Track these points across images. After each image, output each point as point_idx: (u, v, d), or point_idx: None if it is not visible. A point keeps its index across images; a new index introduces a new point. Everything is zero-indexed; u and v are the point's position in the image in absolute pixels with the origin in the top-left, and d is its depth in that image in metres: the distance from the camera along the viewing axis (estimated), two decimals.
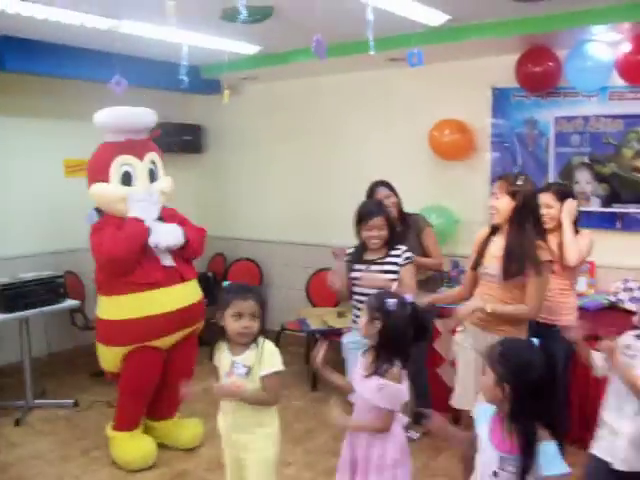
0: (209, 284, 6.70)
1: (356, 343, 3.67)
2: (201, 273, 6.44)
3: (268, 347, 2.80)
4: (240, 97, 6.67)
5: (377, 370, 2.66)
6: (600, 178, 4.83)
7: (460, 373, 3.55)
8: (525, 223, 3.23)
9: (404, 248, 3.80)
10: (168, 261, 4.07)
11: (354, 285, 3.80)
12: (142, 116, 4.20)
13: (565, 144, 4.95)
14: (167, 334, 4.11)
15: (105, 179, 3.99)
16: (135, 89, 4.33)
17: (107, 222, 3.98)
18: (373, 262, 3.76)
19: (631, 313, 4.34)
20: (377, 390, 2.64)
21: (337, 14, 3.93)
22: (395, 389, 2.64)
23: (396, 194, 4.45)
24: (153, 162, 4.19)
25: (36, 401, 5.02)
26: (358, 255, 3.83)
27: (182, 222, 4.23)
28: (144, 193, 4.03)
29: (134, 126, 4.17)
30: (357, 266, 3.79)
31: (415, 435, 4.26)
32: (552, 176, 4.99)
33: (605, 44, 4.56)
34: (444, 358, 4.37)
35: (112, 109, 4.11)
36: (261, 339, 2.80)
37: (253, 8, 3.80)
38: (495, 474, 2.16)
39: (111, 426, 4.19)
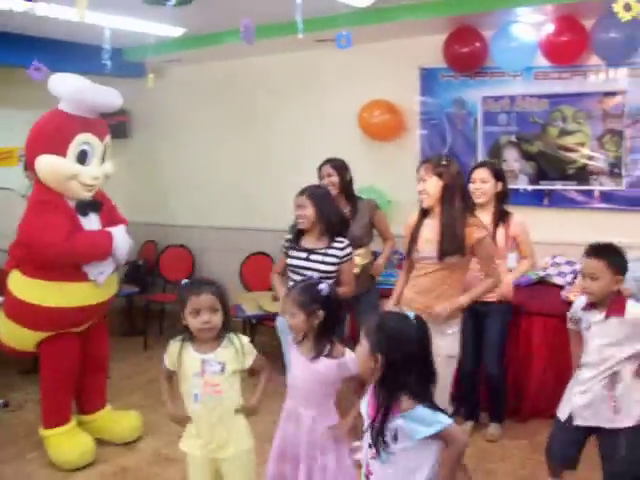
0: (140, 272, 6.58)
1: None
2: (132, 261, 6.32)
3: (244, 339, 2.81)
4: (165, 80, 6.48)
5: (324, 352, 2.76)
6: (527, 156, 4.95)
7: None
8: (455, 201, 3.26)
9: (346, 242, 3.76)
10: None
11: (292, 272, 3.78)
12: (112, 98, 3.96)
13: (493, 123, 5.05)
14: (84, 323, 4.06)
15: (61, 153, 3.72)
16: (56, 74, 4.14)
17: (50, 202, 3.76)
18: (313, 251, 3.72)
19: (559, 287, 4.53)
20: (337, 368, 2.74)
21: None
22: (351, 358, 2.70)
23: (341, 174, 4.36)
24: (107, 145, 4.01)
25: None
26: (295, 242, 3.79)
27: (110, 209, 4.13)
28: (95, 175, 3.86)
29: (103, 106, 3.96)
30: (295, 253, 3.75)
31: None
32: (481, 155, 5.09)
33: (530, 25, 4.65)
34: None
35: (80, 80, 3.85)
36: (232, 335, 2.77)
37: None
38: (370, 446, 2.21)
39: (42, 425, 4.07)
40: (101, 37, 4.35)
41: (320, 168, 4.42)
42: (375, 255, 4.53)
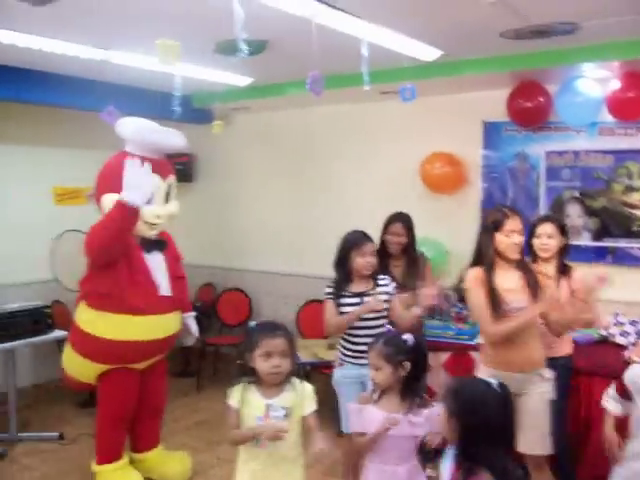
0: (197, 314, 6.64)
1: (350, 378, 3.67)
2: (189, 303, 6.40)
3: (308, 387, 2.78)
4: (231, 127, 6.68)
5: (417, 403, 2.75)
6: (591, 212, 4.86)
7: (531, 420, 3.27)
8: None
9: (388, 278, 3.78)
10: (166, 291, 4.04)
11: None
12: (174, 138, 4.13)
13: (556, 178, 4.99)
14: (147, 359, 4.11)
15: None
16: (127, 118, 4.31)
17: None
18: (364, 294, 3.68)
19: (622, 347, 4.39)
20: (431, 418, 2.67)
21: (331, 47, 3.94)
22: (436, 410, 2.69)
23: (410, 235, 4.40)
24: (170, 185, 4.15)
25: (20, 434, 4.92)
26: (342, 288, 3.72)
27: (176, 257, 4.27)
28: (158, 214, 3.98)
29: (165, 147, 4.12)
30: (347, 300, 3.69)
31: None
32: (543, 210, 5.01)
33: (595, 80, 4.62)
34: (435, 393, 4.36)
35: (143, 122, 4.03)
36: (296, 380, 2.75)
37: (247, 42, 3.81)
38: None
39: (95, 460, 4.11)
40: (171, 84, 4.53)
41: (390, 224, 4.41)
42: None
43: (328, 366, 4.98)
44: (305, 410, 2.73)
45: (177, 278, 4.25)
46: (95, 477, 4.08)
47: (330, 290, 3.75)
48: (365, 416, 2.75)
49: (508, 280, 3.31)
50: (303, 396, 2.73)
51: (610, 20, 3.68)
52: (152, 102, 5.26)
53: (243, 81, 5.26)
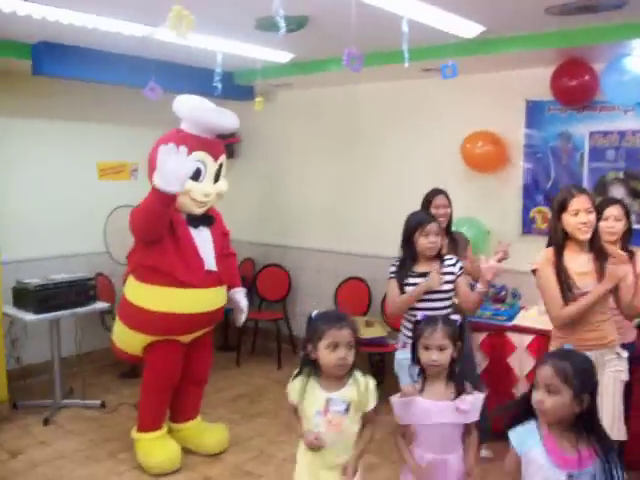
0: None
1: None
2: None
3: (371, 381, 2.68)
4: (273, 104, 6.70)
5: (465, 390, 2.70)
6: (635, 194, 4.76)
7: (604, 401, 3.13)
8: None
9: (455, 257, 3.72)
10: (212, 265, 4.11)
11: None
12: (230, 120, 4.18)
13: (600, 159, 4.89)
14: (192, 332, 4.18)
15: None
16: (169, 95, 4.37)
17: None
18: (430, 274, 3.60)
19: None
20: (476, 403, 2.67)
21: (372, 24, 3.92)
22: (481, 397, 2.71)
23: (452, 207, 4.37)
24: (221, 165, 4.21)
25: (64, 401, 5.09)
26: (408, 268, 3.67)
27: (224, 233, 4.37)
28: (207, 192, 4.05)
29: (219, 127, 4.17)
30: (412, 280, 3.62)
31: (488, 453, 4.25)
32: None
33: None
34: (516, 376, 4.39)
35: (202, 101, 4.11)
36: (358, 373, 2.66)
37: (288, 18, 3.80)
38: None
39: (136, 428, 4.24)
40: (213, 61, 4.57)
41: (432, 198, 4.35)
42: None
43: (368, 344, 5.03)
44: (367, 406, 2.64)
45: (225, 255, 4.32)
46: (135, 444, 4.20)
47: (394, 269, 3.72)
48: (412, 409, 2.68)
49: (579, 263, 3.24)
50: (366, 391, 2.63)
51: None
52: (194, 78, 5.33)
53: (284, 57, 5.26)
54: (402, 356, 3.62)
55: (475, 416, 2.70)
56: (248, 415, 5.03)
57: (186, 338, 4.18)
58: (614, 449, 2.12)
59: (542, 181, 5.15)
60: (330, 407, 2.58)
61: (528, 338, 4.40)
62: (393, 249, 5.98)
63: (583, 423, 2.14)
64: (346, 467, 2.61)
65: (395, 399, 2.74)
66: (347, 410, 2.58)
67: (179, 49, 4.75)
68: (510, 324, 4.53)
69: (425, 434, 2.68)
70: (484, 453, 4.17)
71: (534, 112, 5.14)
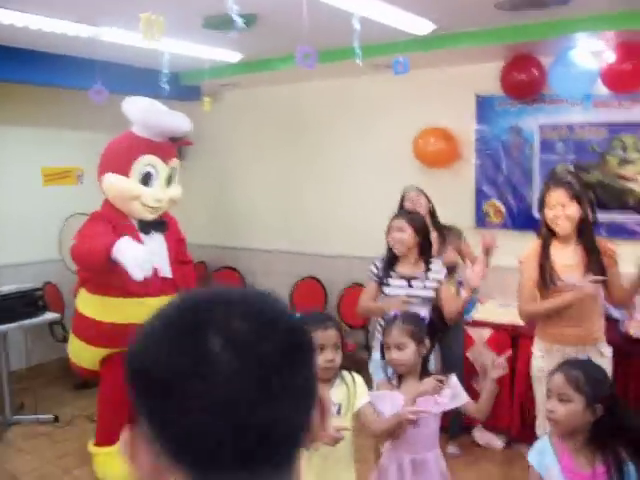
0: None
1: None
2: None
3: (358, 378, 2.60)
4: (220, 104, 6.58)
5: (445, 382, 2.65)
6: (585, 185, 4.82)
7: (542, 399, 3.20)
8: (591, 226, 3.28)
9: (440, 262, 3.61)
10: (167, 272, 3.99)
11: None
12: (182, 122, 4.08)
13: (550, 152, 4.95)
14: None
15: (125, 172, 3.81)
16: (115, 96, 4.24)
17: (107, 217, 3.85)
18: (414, 278, 3.49)
19: (615, 321, 4.38)
20: (455, 395, 2.63)
21: (322, 22, 3.88)
22: (454, 380, 2.68)
23: (428, 198, 4.32)
24: (173, 169, 4.09)
25: (15, 417, 4.90)
26: (389, 268, 3.56)
27: (179, 240, 4.22)
28: (158, 198, 3.93)
29: (170, 130, 4.05)
30: (394, 281, 3.52)
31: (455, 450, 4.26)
32: (537, 183, 4.98)
33: (589, 52, 4.56)
34: (476, 370, 4.40)
35: (152, 103, 3.96)
36: (345, 372, 2.57)
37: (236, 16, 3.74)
38: None
39: (93, 442, 4.10)
40: (159, 61, 4.45)
41: (404, 194, 4.33)
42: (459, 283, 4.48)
43: None
44: (358, 403, 2.55)
45: (182, 262, 4.20)
46: (93, 458, 4.06)
47: (374, 269, 3.60)
48: (394, 405, 2.60)
49: (565, 255, 3.25)
50: (354, 387, 2.54)
51: None
52: (141, 80, 5.19)
53: (232, 57, 5.17)
54: (376, 356, 3.55)
55: (464, 397, 2.67)
56: None
57: None
58: (632, 462, 2.06)
59: (494, 175, 5.19)
60: None
61: (487, 332, 4.43)
62: (346, 247, 6.00)
63: (599, 436, 2.10)
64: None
65: (375, 393, 2.70)
66: (338, 412, 2.50)
67: (125, 50, 4.62)
68: (468, 318, 4.54)
69: (406, 433, 2.62)
70: (451, 450, 4.18)
71: (484, 107, 5.18)
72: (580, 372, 2.15)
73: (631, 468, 2.04)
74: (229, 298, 0.80)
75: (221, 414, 0.71)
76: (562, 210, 3.19)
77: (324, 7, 3.53)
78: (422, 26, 4.25)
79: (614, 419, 2.08)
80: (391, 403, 2.60)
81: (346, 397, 2.51)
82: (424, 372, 2.69)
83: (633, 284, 3.21)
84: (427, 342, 2.66)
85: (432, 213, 4.33)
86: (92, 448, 4.07)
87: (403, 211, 3.86)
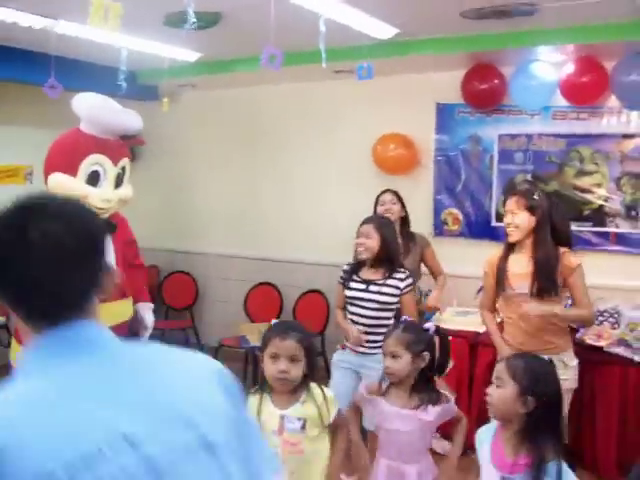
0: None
1: (346, 363, 3.58)
2: None
3: (329, 393, 2.51)
4: (177, 105, 6.43)
5: (432, 399, 2.57)
6: (546, 196, 4.87)
7: None
8: (547, 236, 3.21)
9: (407, 273, 3.60)
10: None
11: (350, 304, 3.62)
12: (134, 120, 3.90)
13: (509, 161, 4.99)
14: None
15: (71, 172, 3.62)
16: (69, 93, 4.08)
17: None
18: (372, 282, 3.53)
19: (575, 330, 4.43)
20: (443, 414, 2.58)
21: (287, 23, 3.79)
22: (451, 405, 2.63)
23: (403, 204, 4.32)
24: (123, 168, 3.93)
25: None
26: (353, 272, 3.62)
27: (129, 242, 4.07)
28: (106, 198, 3.76)
29: (121, 127, 3.89)
30: (354, 284, 3.58)
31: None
32: (496, 193, 5.02)
33: (550, 64, 4.61)
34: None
35: (104, 100, 3.78)
36: (314, 386, 2.48)
37: (199, 14, 3.65)
38: None
39: None
40: (117, 58, 4.31)
41: (379, 196, 4.35)
42: (420, 292, 4.47)
43: None
44: (330, 418, 2.47)
45: (132, 266, 4.06)
46: None
47: (342, 274, 3.68)
48: (375, 409, 2.61)
49: (519, 264, 3.25)
50: (325, 405, 2.45)
51: (568, 3, 3.65)
52: (96, 77, 5.02)
53: (191, 56, 5.06)
54: (338, 357, 3.67)
55: (450, 415, 2.65)
56: None
57: None
58: (556, 462, 2.07)
59: (453, 183, 5.21)
60: (285, 424, 2.39)
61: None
62: (304, 253, 5.92)
63: (528, 429, 2.13)
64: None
65: (358, 395, 2.71)
66: (303, 428, 2.40)
67: (81, 44, 4.45)
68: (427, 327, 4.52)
69: (383, 439, 2.62)
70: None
71: (444, 115, 5.19)
72: (521, 362, 2.22)
73: (552, 469, 2.05)
74: (45, 203, 1.13)
75: (35, 285, 1.05)
76: (512, 218, 3.22)
77: (290, 7, 3.47)
78: (385, 31, 4.22)
79: (547, 417, 2.11)
80: (373, 408, 2.63)
81: (316, 414, 2.42)
82: (418, 387, 2.60)
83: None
84: (426, 356, 2.58)
85: (404, 220, 4.33)
86: None
87: (373, 216, 3.88)
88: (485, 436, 2.26)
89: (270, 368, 2.38)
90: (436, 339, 2.72)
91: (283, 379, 2.38)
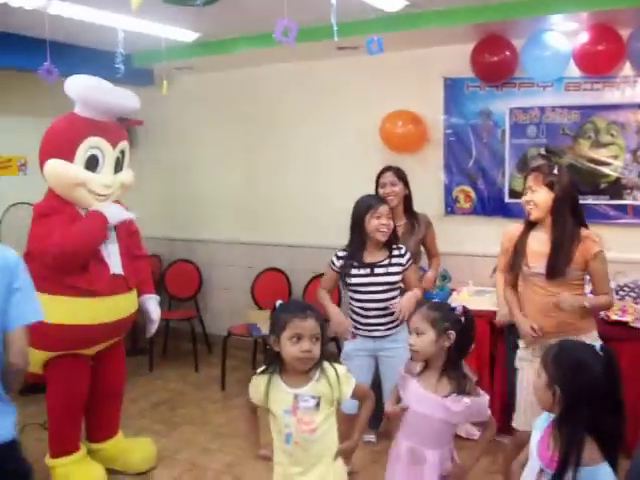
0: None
1: (363, 350, 3.51)
2: None
3: (340, 368, 2.48)
4: (175, 88, 6.25)
5: (463, 389, 2.46)
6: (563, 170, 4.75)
7: (522, 391, 3.21)
8: (567, 214, 3.08)
9: (404, 248, 3.57)
10: (117, 269, 3.68)
11: (354, 292, 3.52)
12: (130, 100, 3.75)
13: (521, 135, 4.85)
14: (97, 344, 3.76)
15: (68, 157, 3.48)
16: (64, 79, 3.89)
17: (56, 209, 3.51)
18: (376, 265, 3.48)
19: None
20: (473, 409, 2.46)
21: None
22: (486, 400, 2.51)
23: (406, 183, 4.15)
24: (122, 152, 3.77)
25: None
26: (356, 257, 3.50)
27: (132, 232, 3.95)
28: (106, 184, 3.62)
29: (119, 109, 3.73)
30: (357, 270, 3.48)
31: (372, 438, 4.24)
32: (508, 168, 4.89)
33: (563, 34, 4.46)
34: None
35: (97, 80, 3.62)
36: (326, 364, 2.44)
37: None
38: None
39: (49, 454, 3.78)
40: (112, 41, 4.13)
41: (380, 176, 4.16)
42: (423, 270, 4.38)
43: None
44: (345, 394, 2.44)
45: (135, 257, 3.91)
46: (51, 472, 3.75)
47: (334, 260, 3.56)
48: (407, 388, 2.58)
49: (538, 241, 3.15)
50: (337, 381, 2.42)
51: None
52: (91, 61, 4.89)
53: (189, 36, 4.88)
54: (351, 347, 3.58)
55: (480, 416, 2.55)
56: (171, 424, 4.67)
57: (90, 351, 3.76)
58: (592, 469, 1.93)
59: (464, 160, 5.07)
60: (299, 403, 2.37)
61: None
62: (310, 237, 5.77)
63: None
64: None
65: (400, 370, 2.67)
66: (317, 406, 2.38)
67: (75, 26, 4.28)
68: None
69: (409, 420, 2.56)
70: (366, 438, 4.14)
71: (453, 90, 5.04)
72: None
73: (598, 472, 1.93)
74: None
75: None
76: (531, 195, 3.12)
77: None
78: (393, 3, 4.07)
79: (581, 413, 1.97)
80: (404, 388, 2.60)
81: (328, 390, 2.40)
82: (448, 370, 2.51)
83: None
84: (451, 335, 2.48)
85: (407, 199, 4.18)
86: (49, 461, 3.77)
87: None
88: (540, 424, 2.17)
89: (291, 349, 2.34)
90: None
91: (307, 359, 2.35)
